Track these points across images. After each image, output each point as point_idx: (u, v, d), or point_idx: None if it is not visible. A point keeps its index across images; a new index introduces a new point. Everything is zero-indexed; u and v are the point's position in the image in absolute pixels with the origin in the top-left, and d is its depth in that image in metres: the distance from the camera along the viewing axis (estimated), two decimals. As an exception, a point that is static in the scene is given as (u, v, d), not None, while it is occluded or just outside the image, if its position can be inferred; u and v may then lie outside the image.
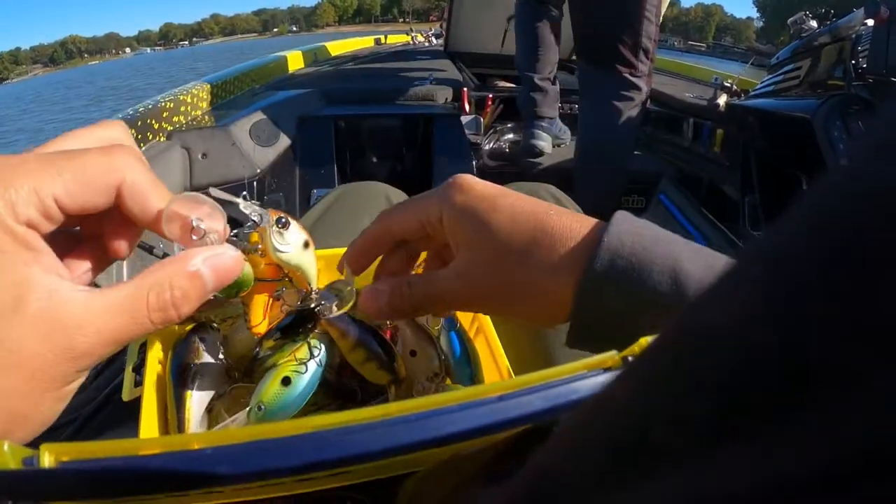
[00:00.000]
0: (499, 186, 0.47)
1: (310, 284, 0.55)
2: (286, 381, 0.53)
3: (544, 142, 2.52)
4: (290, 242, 0.49)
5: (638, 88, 2.13)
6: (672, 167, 2.74)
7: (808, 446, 0.13)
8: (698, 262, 0.40)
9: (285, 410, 0.53)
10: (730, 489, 0.14)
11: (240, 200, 0.45)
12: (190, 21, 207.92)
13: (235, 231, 0.45)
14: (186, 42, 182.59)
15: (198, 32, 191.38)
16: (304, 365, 0.54)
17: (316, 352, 0.55)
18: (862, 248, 0.13)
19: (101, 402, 0.95)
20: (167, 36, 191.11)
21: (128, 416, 0.53)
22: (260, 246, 0.48)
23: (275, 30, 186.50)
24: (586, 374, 0.35)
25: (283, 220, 0.48)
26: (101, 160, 0.34)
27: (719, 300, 0.17)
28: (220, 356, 0.57)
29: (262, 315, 0.55)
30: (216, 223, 0.38)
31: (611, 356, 0.36)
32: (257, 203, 0.47)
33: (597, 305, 0.41)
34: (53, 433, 0.87)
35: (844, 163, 0.15)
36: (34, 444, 0.29)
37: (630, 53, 2.10)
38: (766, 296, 0.15)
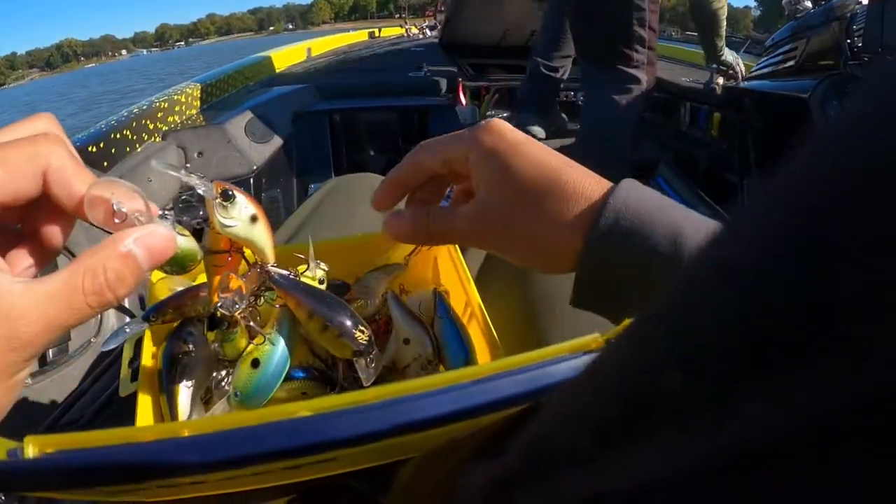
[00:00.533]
0: (525, 135, 0.49)
1: (261, 258, 0.55)
2: (255, 364, 0.53)
3: (537, 127, 2.54)
4: (236, 216, 0.49)
5: (637, 80, 2.12)
6: (670, 151, 2.74)
7: (837, 387, 0.12)
8: (701, 230, 0.41)
9: (263, 391, 0.53)
10: (754, 438, 0.14)
11: (182, 173, 0.44)
12: (185, 21, 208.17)
13: (170, 206, 0.44)
14: (182, 43, 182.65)
15: (194, 33, 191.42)
16: (269, 343, 0.54)
17: (276, 328, 0.56)
18: (889, 175, 0.12)
19: (103, 402, 0.95)
20: (163, 37, 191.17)
21: (129, 417, 0.53)
22: (207, 224, 0.49)
23: (271, 28, 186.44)
24: (567, 357, 0.35)
25: (229, 193, 0.47)
26: (24, 149, 0.34)
27: (740, 236, 0.16)
28: (210, 348, 0.57)
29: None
30: (135, 203, 0.36)
31: (594, 338, 0.37)
32: (201, 175, 0.45)
33: (600, 263, 0.43)
34: (60, 433, 0.88)
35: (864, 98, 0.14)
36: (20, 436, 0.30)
37: (625, 47, 2.11)
38: (790, 227, 0.14)
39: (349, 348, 0.55)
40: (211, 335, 0.55)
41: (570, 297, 0.48)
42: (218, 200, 0.47)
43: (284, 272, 0.57)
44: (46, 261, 0.39)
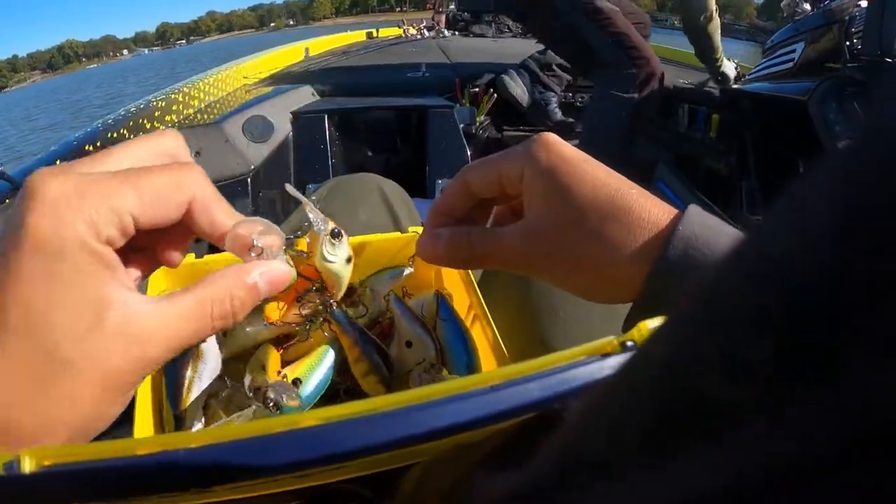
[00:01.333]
0: (581, 152, 0.46)
1: (336, 293, 0.55)
2: (296, 382, 0.54)
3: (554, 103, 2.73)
4: (338, 255, 0.51)
5: (626, 81, 2.24)
6: (669, 153, 2.74)
7: None
8: None
9: (292, 411, 0.53)
10: (809, 449, 0.12)
11: (308, 202, 0.49)
12: (186, 19, 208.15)
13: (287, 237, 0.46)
14: (184, 41, 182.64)
15: (194, 31, 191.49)
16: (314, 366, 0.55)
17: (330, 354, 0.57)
18: None
19: None
20: (164, 36, 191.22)
21: (130, 423, 0.53)
22: (306, 252, 0.50)
23: (272, 24, 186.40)
24: (585, 361, 0.34)
25: (338, 231, 0.50)
26: (172, 177, 0.35)
27: (784, 223, 0.15)
28: (219, 356, 0.58)
29: (276, 309, 0.58)
30: (271, 241, 0.41)
31: (609, 341, 0.35)
32: (319, 207, 0.51)
33: (664, 293, 0.41)
34: None
35: None
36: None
37: (600, 63, 2.32)
38: (844, 208, 0.13)
39: (383, 392, 0.58)
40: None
41: (623, 325, 0.46)
42: (328, 237, 0.50)
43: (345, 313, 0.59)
44: (149, 273, 0.42)
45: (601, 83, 2.38)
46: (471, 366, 0.63)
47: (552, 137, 0.46)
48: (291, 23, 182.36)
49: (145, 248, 0.40)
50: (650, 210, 0.42)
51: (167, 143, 0.39)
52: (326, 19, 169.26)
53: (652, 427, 0.17)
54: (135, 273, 0.40)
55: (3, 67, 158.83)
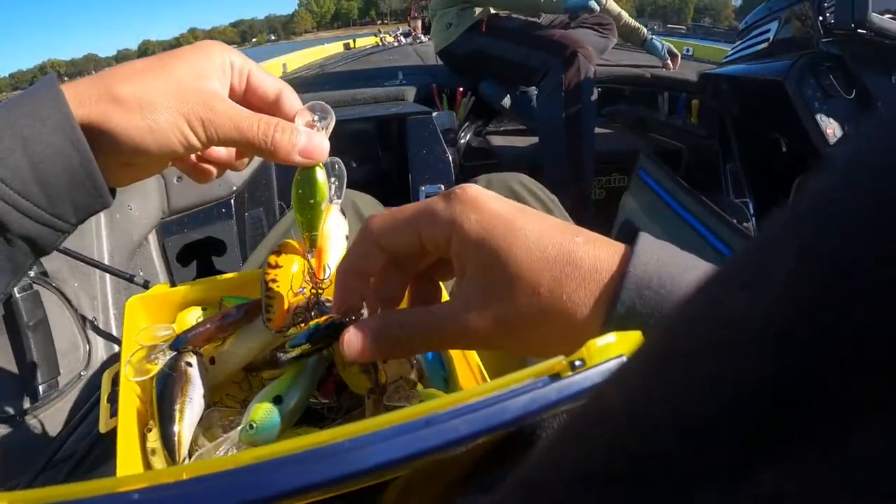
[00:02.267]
0: (512, 202, 0.42)
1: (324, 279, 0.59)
2: (277, 400, 0.53)
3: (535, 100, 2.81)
4: (341, 227, 0.62)
5: (556, 69, 2.41)
6: (650, 143, 2.75)
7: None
8: None
9: (275, 428, 0.53)
10: None
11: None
12: (168, 37, 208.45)
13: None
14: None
15: (176, 48, 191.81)
16: (292, 382, 0.55)
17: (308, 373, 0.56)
18: None
19: (96, 435, 0.95)
20: (146, 53, 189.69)
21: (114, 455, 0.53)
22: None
23: (254, 40, 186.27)
24: (532, 385, 0.34)
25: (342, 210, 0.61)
26: (275, 77, 0.58)
27: (749, 283, 0.14)
28: (206, 380, 0.58)
29: (280, 317, 0.57)
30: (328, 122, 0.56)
31: (558, 361, 0.35)
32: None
33: None
34: (56, 468, 0.87)
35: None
36: None
37: (534, 71, 2.52)
38: (807, 277, 0.12)
39: (367, 384, 0.55)
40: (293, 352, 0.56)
41: None
42: (338, 208, 0.64)
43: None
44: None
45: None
46: (447, 379, 0.63)
47: (478, 192, 0.42)
48: (273, 38, 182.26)
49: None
50: (600, 258, 0.39)
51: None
52: (308, 33, 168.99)
53: (609, 474, 0.16)
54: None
55: None
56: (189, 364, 0.56)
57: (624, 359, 0.33)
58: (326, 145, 0.54)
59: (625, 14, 2.91)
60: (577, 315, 0.38)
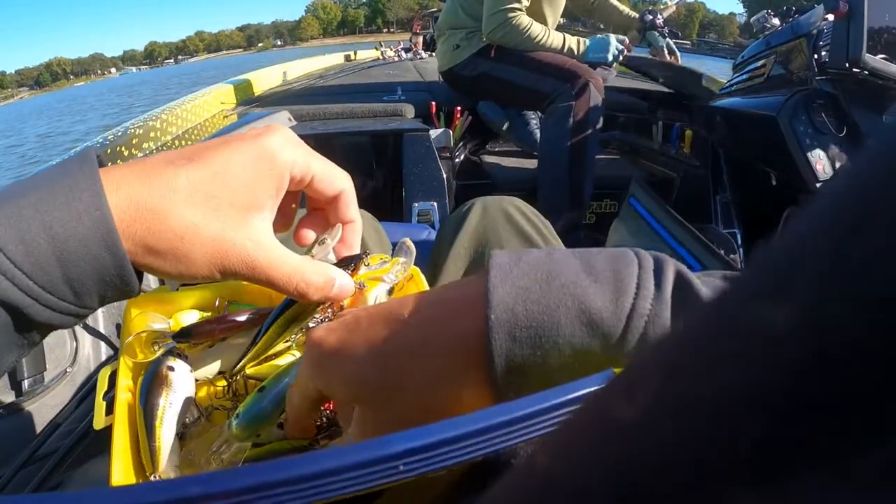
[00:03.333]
0: (347, 321, 0.42)
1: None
2: (262, 389, 0.54)
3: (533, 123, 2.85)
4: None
5: (565, 96, 2.41)
6: (642, 170, 2.77)
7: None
8: (602, 292, 0.35)
9: (258, 418, 0.54)
10: None
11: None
12: (174, 39, 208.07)
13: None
14: (171, 60, 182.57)
15: (182, 50, 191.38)
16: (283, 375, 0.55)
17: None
18: None
19: (80, 432, 0.96)
20: (152, 55, 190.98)
21: (105, 450, 0.53)
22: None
23: (259, 45, 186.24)
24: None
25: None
26: (341, 171, 0.52)
27: (772, 292, 0.14)
28: (191, 383, 0.57)
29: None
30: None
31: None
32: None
33: (521, 382, 0.35)
34: (37, 464, 0.87)
35: None
36: None
37: (543, 97, 2.50)
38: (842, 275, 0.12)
39: None
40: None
41: None
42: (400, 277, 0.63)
43: None
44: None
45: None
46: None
47: (318, 336, 0.42)
48: (279, 43, 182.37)
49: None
50: (449, 320, 0.37)
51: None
52: (314, 40, 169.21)
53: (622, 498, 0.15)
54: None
55: None
56: (171, 368, 0.55)
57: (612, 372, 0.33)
58: (352, 287, 0.53)
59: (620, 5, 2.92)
60: (451, 391, 0.37)
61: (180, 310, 0.69)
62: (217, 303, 0.69)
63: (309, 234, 0.56)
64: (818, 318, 0.12)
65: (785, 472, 0.12)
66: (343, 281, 0.50)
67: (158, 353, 0.59)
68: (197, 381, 0.60)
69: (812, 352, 0.12)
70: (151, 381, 0.54)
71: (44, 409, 1.28)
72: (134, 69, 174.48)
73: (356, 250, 0.56)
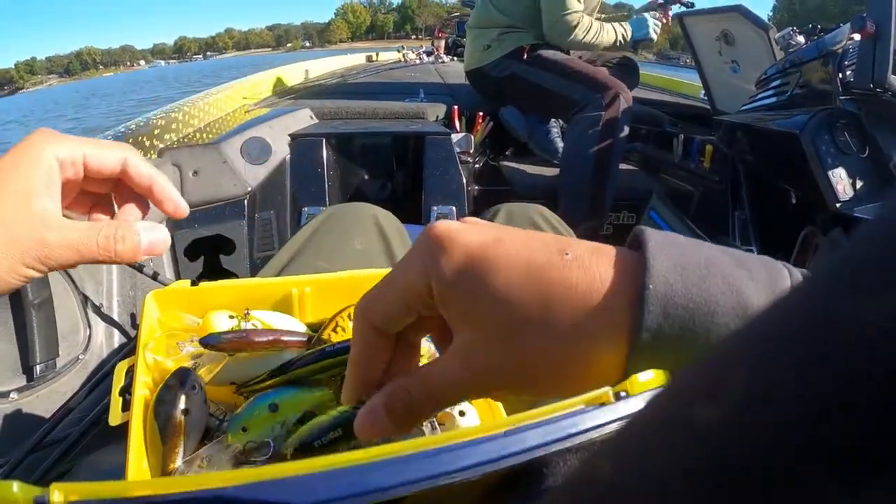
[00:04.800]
0: (487, 228, 0.37)
1: None
2: (273, 408, 0.54)
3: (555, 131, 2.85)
4: None
5: (594, 105, 2.42)
6: (662, 184, 2.76)
7: None
8: (761, 289, 0.33)
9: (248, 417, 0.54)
10: None
11: None
12: (204, 35, 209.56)
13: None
14: (200, 56, 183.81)
15: (212, 46, 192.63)
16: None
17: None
18: None
19: (91, 420, 0.96)
20: (181, 49, 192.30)
21: (115, 438, 0.54)
22: None
23: (288, 45, 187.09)
24: (583, 410, 0.35)
25: None
26: (116, 145, 0.54)
27: (869, 286, 0.13)
28: (204, 415, 0.57)
29: None
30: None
31: (604, 392, 0.35)
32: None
33: (653, 367, 0.34)
34: (46, 450, 0.87)
35: None
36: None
37: (571, 104, 2.51)
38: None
39: None
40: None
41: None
42: None
43: None
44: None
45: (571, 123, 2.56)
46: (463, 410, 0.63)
47: (445, 229, 0.37)
48: (307, 44, 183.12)
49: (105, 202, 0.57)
50: (596, 274, 0.34)
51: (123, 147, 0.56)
52: (342, 42, 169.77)
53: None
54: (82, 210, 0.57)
55: (20, 68, 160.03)
56: (186, 412, 0.54)
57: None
58: (165, 236, 0.54)
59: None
60: (585, 348, 0.33)
61: (206, 308, 0.69)
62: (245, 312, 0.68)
63: (98, 216, 0.58)
64: None
65: (877, 470, 0.12)
66: (150, 233, 0.52)
67: (184, 352, 0.61)
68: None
69: None
70: (166, 427, 0.54)
71: (55, 396, 1.29)
72: (163, 62, 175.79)
73: (175, 197, 0.56)
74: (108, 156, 0.52)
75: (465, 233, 0.36)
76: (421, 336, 0.42)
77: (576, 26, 2.56)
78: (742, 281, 0.32)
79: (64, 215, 0.50)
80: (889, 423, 0.12)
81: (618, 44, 2.75)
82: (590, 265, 0.34)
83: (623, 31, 2.68)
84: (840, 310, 0.14)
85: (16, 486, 0.28)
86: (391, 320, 0.39)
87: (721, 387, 0.16)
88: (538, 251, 0.35)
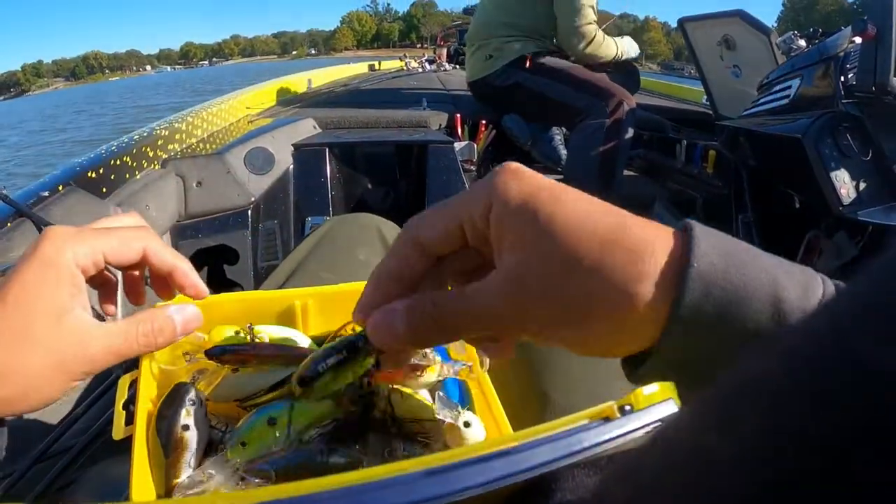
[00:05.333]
0: (559, 183, 0.37)
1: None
2: (271, 422, 0.55)
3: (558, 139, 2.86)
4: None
5: (599, 113, 2.45)
6: (666, 189, 2.76)
7: None
8: (795, 285, 0.33)
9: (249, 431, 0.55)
10: None
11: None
12: (210, 41, 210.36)
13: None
14: (206, 62, 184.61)
15: (218, 53, 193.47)
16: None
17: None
18: None
19: (96, 431, 0.96)
20: (187, 55, 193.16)
21: (118, 450, 0.54)
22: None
23: (293, 53, 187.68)
24: (587, 426, 0.36)
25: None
26: (134, 232, 0.54)
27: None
28: (206, 429, 0.57)
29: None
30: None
31: (609, 406, 0.36)
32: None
33: (688, 342, 0.34)
34: (48, 462, 0.87)
35: None
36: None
37: (576, 112, 2.54)
38: None
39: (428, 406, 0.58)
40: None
41: (627, 372, 0.37)
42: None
43: None
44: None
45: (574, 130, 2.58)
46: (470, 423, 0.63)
47: (520, 166, 0.37)
48: (313, 52, 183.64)
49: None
50: (653, 240, 0.34)
51: (130, 219, 0.58)
52: (347, 51, 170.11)
53: None
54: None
55: (27, 70, 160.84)
56: (186, 427, 0.54)
57: (672, 403, 0.34)
58: (196, 313, 0.56)
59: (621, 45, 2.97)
60: (629, 300, 0.33)
61: (209, 320, 0.67)
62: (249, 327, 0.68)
63: (108, 308, 0.60)
64: None
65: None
66: (183, 315, 0.55)
67: (189, 363, 0.62)
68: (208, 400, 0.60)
69: None
70: (167, 443, 0.54)
71: (57, 408, 1.28)
72: (169, 68, 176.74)
73: (197, 282, 0.57)
74: (128, 249, 0.53)
75: (538, 174, 0.37)
76: (451, 275, 0.42)
77: (596, 36, 2.63)
78: (779, 273, 0.33)
79: (95, 314, 0.51)
80: None
81: (615, 59, 2.83)
82: (644, 231, 0.34)
83: (625, 47, 2.80)
84: (860, 354, 0.13)
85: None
86: (437, 239, 0.39)
87: (733, 423, 0.16)
88: (601, 205, 0.35)
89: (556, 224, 0.34)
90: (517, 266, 0.35)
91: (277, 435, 0.55)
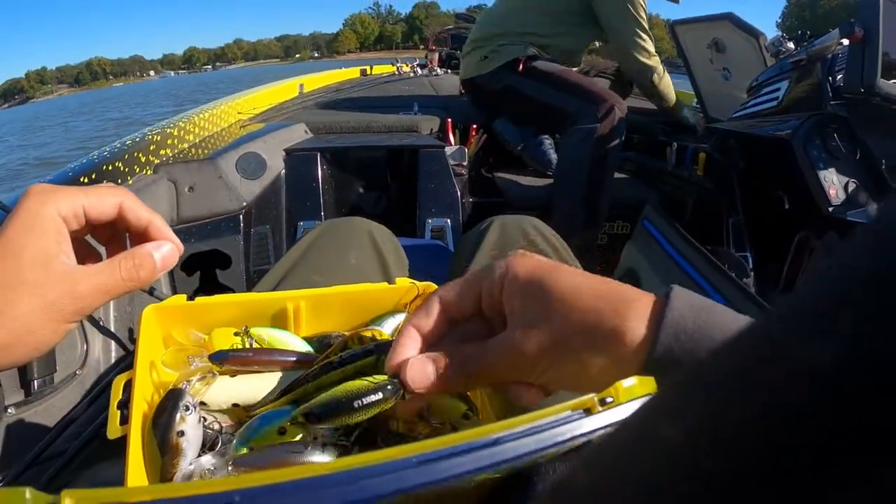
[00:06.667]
0: (559, 262, 0.48)
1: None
2: (282, 432, 0.55)
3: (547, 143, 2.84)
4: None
5: (589, 116, 2.44)
6: (657, 192, 2.77)
7: None
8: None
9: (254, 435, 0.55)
10: None
11: None
12: (213, 45, 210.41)
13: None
14: (210, 66, 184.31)
15: (221, 57, 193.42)
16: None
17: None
18: None
19: (89, 435, 0.96)
20: (191, 60, 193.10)
21: (114, 452, 0.54)
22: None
23: (297, 56, 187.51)
24: (569, 417, 0.38)
25: None
26: (110, 189, 0.56)
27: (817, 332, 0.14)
28: (199, 434, 0.57)
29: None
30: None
31: (589, 398, 0.38)
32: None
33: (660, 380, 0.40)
34: (44, 465, 0.87)
35: None
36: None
37: (566, 117, 2.53)
38: None
39: (461, 408, 0.57)
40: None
41: None
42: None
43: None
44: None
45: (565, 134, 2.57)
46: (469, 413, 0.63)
47: (527, 252, 0.48)
48: (316, 55, 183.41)
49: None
50: (638, 295, 0.43)
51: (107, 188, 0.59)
52: (350, 53, 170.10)
53: None
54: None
55: (31, 77, 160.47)
56: (181, 434, 0.54)
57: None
58: (172, 248, 0.59)
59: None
60: (620, 336, 0.42)
61: (203, 323, 0.70)
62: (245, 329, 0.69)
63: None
64: (864, 352, 0.13)
65: (825, 494, 0.12)
66: (161, 251, 0.57)
67: (192, 366, 0.62)
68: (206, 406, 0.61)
69: (860, 385, 0.13)
70: (163, 445, 0.54)
71: (52, 411, 1.29)
72: (172, 73, 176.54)
73: (171, 237, 0.59)
74: (105, 202, 0.55)
75: (541, 256, 0.48)
76: (469, 334, 0.50)
77: (652, 69, 2.73)
78: (741, 319, 0.41)
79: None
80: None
81: (664, 106, 2.88)
82: (633, 291, 0.44)
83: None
84: (787, 350, 0.15)
85: (28, 492, 0.29)
86: (458, 303, 0.49)
87: (683, 409, 0.17)
88: (594, 276, 0.46)
89: (558, 284, 0.44)
90: (527, 318, 0.44)
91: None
